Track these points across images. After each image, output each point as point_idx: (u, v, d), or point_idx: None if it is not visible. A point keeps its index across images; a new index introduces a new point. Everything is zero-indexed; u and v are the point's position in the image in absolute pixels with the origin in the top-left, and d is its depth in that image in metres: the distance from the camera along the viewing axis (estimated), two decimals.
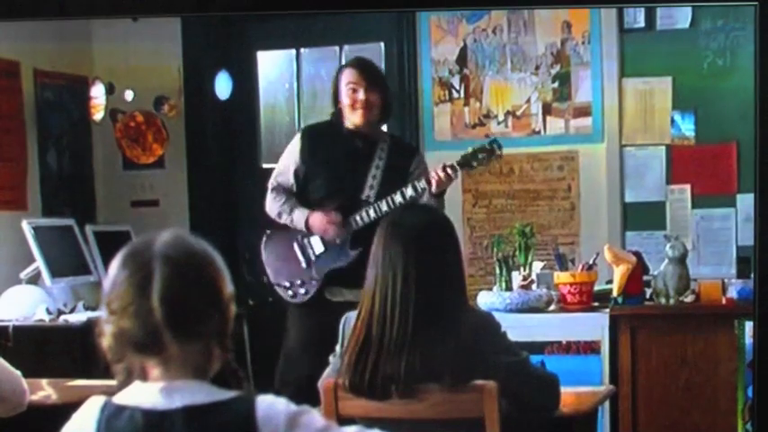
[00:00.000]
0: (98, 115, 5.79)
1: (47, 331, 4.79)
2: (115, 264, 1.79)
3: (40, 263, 5.10)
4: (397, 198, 4.17)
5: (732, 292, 4.30)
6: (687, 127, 5.39)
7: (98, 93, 5.76)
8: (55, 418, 1.86)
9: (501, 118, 5.62)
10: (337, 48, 5.79)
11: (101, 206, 6.02)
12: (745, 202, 5.19)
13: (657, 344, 4.28)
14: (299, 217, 4.27)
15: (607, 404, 4.12)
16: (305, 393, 2.77)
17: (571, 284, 4.40)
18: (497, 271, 4.50)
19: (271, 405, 1.77)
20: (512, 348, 2.85)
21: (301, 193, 4.32)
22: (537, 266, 4.55)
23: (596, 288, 4.49)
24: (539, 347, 4.66)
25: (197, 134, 5.99)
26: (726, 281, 4.44)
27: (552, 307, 4.44)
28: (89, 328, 4.44)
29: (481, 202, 5.66)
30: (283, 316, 4.46)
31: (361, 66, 4.37)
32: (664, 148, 5.43)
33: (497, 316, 2.92)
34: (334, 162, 4.29)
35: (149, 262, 1.75)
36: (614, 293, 4.34)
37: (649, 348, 4.28)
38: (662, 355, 4.27)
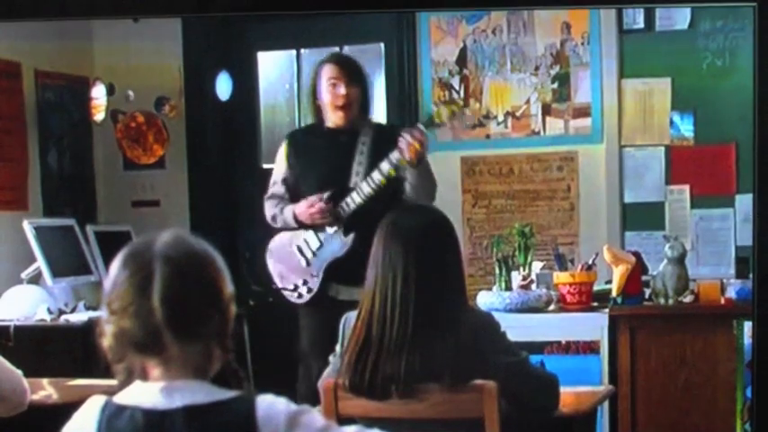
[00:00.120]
0: (99, 116, 5.80)
1: (48, 331, 4.80)
2: (116, 264, 1.79)
3: (41, 263, 5.11)
4: (376, 176, 4.16)
5: (731, 293, 4.31)
6: (686, 128, 5.39)
7: (99, 93, 5.76)
8: (56, 417, 1.86)
9: (501, 118, 5.63)
10: (337, 48, 5.80)
11: (101, 206, 6.03)
12: (744, 202, 5.20)
13: (656, 344, 4.28)
14: (288, 214, 4.30)
15: (606, 404, 4.13)
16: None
17: (570, 284, 4.41)
18: (497, 271, 4.51)
19: (271, 405, 1.78)
20: (511, 348, 2.85)
21: (295, 197, 4.33)
22: (536, 266, 4.55)
23: (595, 288, 4.49)
24: (538, 347, 4.65)
25: (197, 134, 5.99)
26: (724, 281, 4.45)
27: (552, 307, 4.45)
28: (90, 327, 4.46)
29: (481, 203, 5.67)
30: (284, 316, 4.46)
31: (341, 61, 4.37)
32: (663, 148, 5.43)
33: (497, 316, 2.93)
34: (319, 159, 4.30)
35: (150, 262, 1.75)
36: (613, 293, 4.35)
37: (648, 348, 4.28)
38: (661, 356, 4.27)
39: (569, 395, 3.07)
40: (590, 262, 4.49)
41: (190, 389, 1.77)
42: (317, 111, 4.34)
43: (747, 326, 4.11)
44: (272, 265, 4.38)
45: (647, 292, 4.37)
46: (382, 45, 5.82)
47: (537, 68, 5.57)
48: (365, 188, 4.17)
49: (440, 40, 5.69)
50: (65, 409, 1.84)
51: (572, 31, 5.51)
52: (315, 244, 4.28)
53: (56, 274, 5.14)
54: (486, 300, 4.41)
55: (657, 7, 5.18)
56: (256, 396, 1.79)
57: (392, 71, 5.74)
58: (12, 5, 2.87)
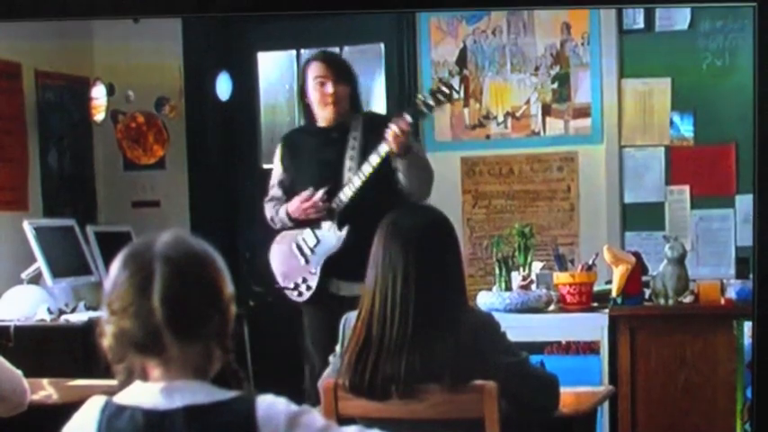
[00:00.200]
0: (99, 116, 5.80)
1: (48, 331, 4.80)
2: (116, 264, 1.79)
3: (41, 263, 5.11)
4: (366, 168, 4.16)
5: (731, 293, 4.30)
6: (686, 128, 5.39)
7: (99, 94, 5.76)
8: (56, 417, 1.86)
9: (500, 119, 5.63)
10: (337, 48, 5.80)
11: (102, 207, 6.03)
12: (744, 202, 5.20)
13: (656, 344, 4.28)
14: (282, 213, 4.32)
15: (606, 404, 4.12)
16: None
17: (570, 285, 4.41)
18: (497, 271, 4.51)
19: (271, 405, 1.78)
20: (511, 348, 2.85)
21: (291, 198, 4.34)
22: (536, 267, 4.55)
23: (596, 288, 4.49)
24: (538, 347, 4.66)
25: (198, 135, 5.99)
26: (724, 281, 4.44)
27: (552, 307, 4.45)
28: (90, 328, 4.46)
29: (481, 203, 5.67)
30: (284, 316, 4.47)
31: (328, 59, 4.37)
32: (663, 148, 5.43)
33: (497, 316, 2.92)
34: (312, 158, 4.31)
35: (150, 262, 1.75)
36: (613, 294, 4.35)
37: (648, 349, 4.28)
38: (661, 356, 4.27)
39: (569, 395, 3.07)
40: (590, 262, 4.49)
41: (190, 389, 1.77)
42: (307, 110, 4.35)
43: (747, 326, 4.11)
44: (275, 266, 4.39)
45: (647, 292, 4.37)
46: (382, 45, 5.82)
47: (537, 69, 5.57)
48: (357, 182, 4.18)
49: (440, 40, 5.69)
50: (65, 410, 1.84)
51: (572, 31, 5.51)
52: (312, 241, 4.29)
53: (56, 274, 5.14)
54: (486, 300, 4.41)
55: (657, 7, 5.18)
56: (256, 396, 1.79)
57: (392, 71, 5.75)
58: (12, 5, 2.87)
